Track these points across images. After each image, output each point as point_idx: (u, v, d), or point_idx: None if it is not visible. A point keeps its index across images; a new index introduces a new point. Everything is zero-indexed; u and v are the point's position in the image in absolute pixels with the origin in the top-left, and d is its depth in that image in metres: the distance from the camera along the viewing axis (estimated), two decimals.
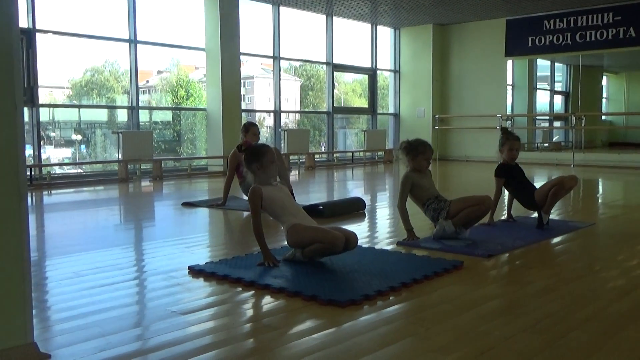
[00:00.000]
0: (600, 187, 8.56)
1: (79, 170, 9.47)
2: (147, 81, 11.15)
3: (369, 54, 13.61)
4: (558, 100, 15.79)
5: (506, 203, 4.87)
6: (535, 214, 4.60)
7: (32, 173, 8.17)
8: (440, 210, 3.92)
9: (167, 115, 11.08)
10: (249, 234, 4.33)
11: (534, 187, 4.60)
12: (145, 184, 8.53)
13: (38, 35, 8.28)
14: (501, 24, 12.70)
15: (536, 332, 2.26)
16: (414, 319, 2.46)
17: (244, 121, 10.68)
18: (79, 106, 10.00)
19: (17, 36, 1.91)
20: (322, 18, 12.36)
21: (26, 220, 1.99)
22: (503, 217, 4.83)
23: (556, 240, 4.18)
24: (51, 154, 9.49)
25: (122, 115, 9.99)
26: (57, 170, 9.12)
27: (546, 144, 15.28)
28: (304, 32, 12.65)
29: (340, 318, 2.43)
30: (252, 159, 3.37)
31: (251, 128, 6.02)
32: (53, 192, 7.57)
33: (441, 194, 4.11)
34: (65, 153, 9.99)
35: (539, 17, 12.19)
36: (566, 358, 2.02)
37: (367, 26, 13.40)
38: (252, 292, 2.81)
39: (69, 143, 9.98)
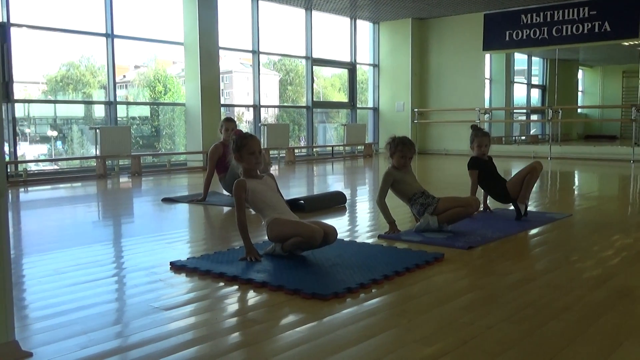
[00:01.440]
0: (576, 179, 8.70)
1: (56, 167, 9.34)
2: (124, 76, 11.02)
3: (348, 48, 13.61)
4: (535, 93, 15.98)
5: (482, 195, 4.94)
6: (512, 207, 4.69)
7: (8, 170, 8.04)
8: (427, 205, 3.98)
9: (145, 111, 10.97)
10: (230, 228, 4.33)
11: (505, 180, 4.72)
12: (124, 180, 8.45)
13: (12, 30, 8.14)
14: (479, 18, 12.80)
15: (516, 322, 2.30)
16: (397, 310, 2.48)
17: (223, 116, 10.64)
18: (55, 101, 9.86)
19: None
20: (301, 12, 12.34)
21: (5, 218, 1.97)
22: (480, 209, 4.88)
23: (534, 231, 4.24)
24: (26, 150, 9.34)
25: (99, 111, 9.87)
26: (33, 167, 8.98)
27: (523, 137, 15.46)
28: (283, 26, 12.62)
29: (324, 311, 2.44)
30: (234, 148, 3.37)
31: (225, 123, 5.97)
32: (29, 189, 7.47)
33: (424, 188, 4.16)
34: (41, 149, 9.85)
35: (516, 11, 12.32)
36: (545, 346, 2.06)
37: (346, 20, 13.40)
38: (234, 287, 2.81)
39: (44, 139, 9.83)
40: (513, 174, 4.80)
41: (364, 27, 13.93)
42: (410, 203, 4.08)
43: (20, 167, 8.30)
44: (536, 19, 12.16)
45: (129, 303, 2.65)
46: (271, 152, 11.13)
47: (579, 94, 16.74)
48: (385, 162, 4.16)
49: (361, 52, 13.87)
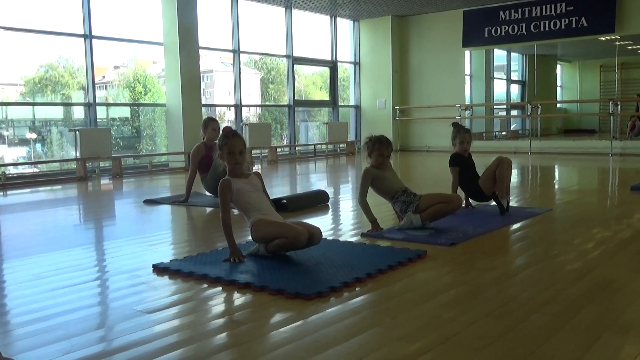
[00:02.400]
0: (556, 173, 8.80)
1: (35, 170, 9.23)
2: (104, 76, 10.92)
3: (329, 46, 13.62)
4: (515, 89, 16.12)
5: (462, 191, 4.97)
6: (493, 202, 4.74)
7: None
8: (409, 203, 3.99)
9: (125, 112, 10.89)
10: (213, 230, 4.32)
11: (479, 177, 4.76)
12: (105, 182, 8.38)
13: None
14: (458, 15, 12.89)
15: (498, 317, 2.32)
16: (380, 308, 2.49)
17: (204, 116, 10.58)
18: (34, 104, 9.74)
19: None
20: (281, 11, 12.32)
21: None
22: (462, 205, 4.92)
23: (515, 226, 4.29)
24: (5, 153, 9.22)
25: (78, 112, 9.76)
26: (12, 170, 8.87)
27: (504, 133, 15.60)
28: (263, 25, 12.59)
29: (308, 311, 2.45)
30: (218, 146, 3.37)
31: (210, 123, 5.94)
32: (8, 192, 7.37)
33: (405, 185, 4.18)
34: (20, 152, 9.73)
35: (495, 8, 12.43)
36: (527, 340, 2.08)
37: (326, 18, 13.41)
38: (218, 289, 2.80)
39: (23, 142, 9.71)
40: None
41: (344, 25, 13.95)
42: (393, 201, 4.09)
43: None
44: (515, 15, 12.28)
45: (111, 307, 2.63)
46: (253, 151, 11.11)
47: (558, 88, 16.91)
48: (366, 160, 4.17)
49: (342, 50, 13.89)
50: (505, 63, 15.51)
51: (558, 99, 16.53)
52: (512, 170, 4.87)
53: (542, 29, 12.02)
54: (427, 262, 3.22)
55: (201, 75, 10.55)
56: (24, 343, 2.16)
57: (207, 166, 5.72)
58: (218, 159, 3.41)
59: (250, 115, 12.69)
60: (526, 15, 12.16)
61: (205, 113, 10.79)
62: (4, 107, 9.09)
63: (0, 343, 2.06)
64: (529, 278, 2.90)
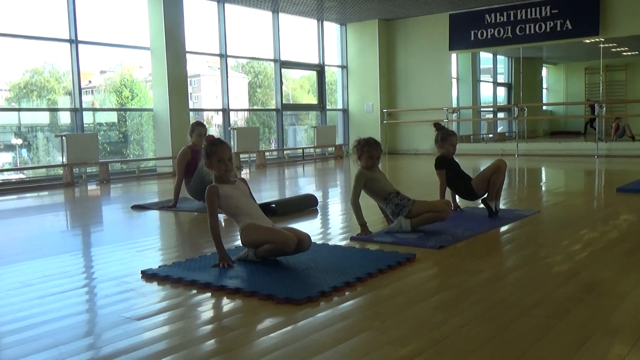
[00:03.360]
0: (543, 175, 8.86)
1: (22, 176, 9.14)
2: (90, 81, 10.85)
3: (316, 50, 13.64)
4: (501, 92, 16.23)
5: (450, 193, 4.99)
6: (481, 205, 4.76)
7: None
8: (402, 207, 3.99)
9: (112, 117, 10.82)
10: (202, 235, 4.30)
11: (470, 177, 4.77)
12: (92, 187, 8.32)
13: None
14: (445, 18, 12.96)
15: (487, 320, 2.33)
16: (370, 312, 2.49)
17: (192, 120, 10.55)
18: (19, 109, 9.66)
19: None
20: (268, 15, 12.32)
21: None
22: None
23: (503, 229, 4.31)
24: None
25: (64, 118, 9.70)
26: None
27: (491, 135, 15.69)
28: (251, 29, 12.58)
29: (298, 316, 2.44)
30: (204, 155, 3.35)
31: (196, 128, 5.90)
32: None
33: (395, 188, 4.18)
34: (6, 158, 9.63)
35: (481, 11, 12.51)
36: (517, 342, 2.10)
37: (313, 22, 13.43)
38: (207, 294, 2.79)
39: (9, 148, 9.62)
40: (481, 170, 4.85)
41: (332, 29, 13.98)
42: (386, 203, 4.07)
43: None
44: (500, 19, 12.37)
45: (100, 314, 2.61)
46: (241, 155, 11.09)
47: (544, 91, 17.05)
48: (356, 163, 4.17)
49: (329, 53, 13.92)
50: (491, 66, 15.61)
51: (544, 102, 16.66)
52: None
53: (527, 32, 12.12)
54: (417, 266, 3.23)
55: (188, 79, 10.51)
56: (12, 352, 2.14)
57: (193, 170, 5.70)
58: (204, 167, 3.39)
59: (238, 119, 12.67)
60: (512, 19, 12.25)
61: (192, 117, 10.76)
62: None
63: None
64: (518, 280, 2.91)
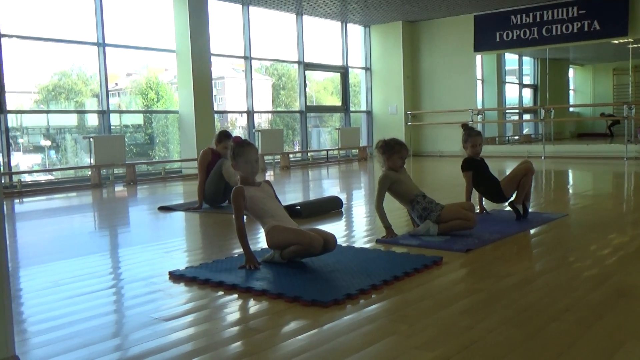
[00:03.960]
0: (570, 178, 8.73)
1: (50, 177, 9.30)
2: (116, 84, 11.00)
3: (340, 52, 13.64)
4: (527, 93, 16.05)
5: (477, 196, 4.94)
6: (508, 208, 4.71)
7: (3, 181, 8.00)
8: (431, 211, 3.95)
9: (138, 119, 10.95)
10: (228, 236, 4.33)
11: (498, 179, 4.72)
12: (119, 188, 8.43)
13: (3, 40, 8.11)
14: (469, 19, 12.86)
15: (516, 324, 2.30)
16: (397, 316, 2.48)
17: (216, 122, 10.65)
18: (48, 111, 9.83)
19: None
20: (292, 17, 12.35)
21: (3, 230, 1.95)
22: (476, 211, 4.88)
23: (531, 232, 4.25)
24: (20, 160, 9.30)
25: (92, 120, 9.84)
26: (28, 177, 8.94)
27: (516, 137, 15.52)
28: (274, 32, 12.63)
29: (324, 318, 2.44)
30: (230, 156, 3.36)
31: (224, 140, 5.79)
32: (24, 200, 7.43)
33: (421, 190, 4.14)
34: (35, 159, 9.81)
35: (506, 12, 12.39)
36: (547, 349, 2.06)
37: (337, 24, 13.43)
38: (234, 296, 2.80)
39: (38, 149, 9.79)
40: (507, 173, 4.80)
41: (355, 31, 13.97)
42: (412, 205, 4.03)
43: (15, 178, 8.26)
44: (526, 20, 12.23)
45: (128, 314, 2.63)
46: (266, 157, 11.13)
47: (571, 92, 16.82)
48: (381, 164, 4.14)
49: (353, 55, 13.91)
50: (517, 67, 15.45)
51: (571, 103, 16.43)
52: None
53: (554, 32, 11.96)
54: (443, 269, 3.20)
55: (213, 81, 10.60)
56: (43, 351, 2.17)
57: (208, 172, 5.75)
58: (230, 167, 3.40)
59: (262, 121, 12.72)
60: (538, 19, 12.10)
61: (217, 119, 10.84)
62: (18, 114, 9.17)
63: (19, 351, 2.07)
64: (547, 285, 2.87)
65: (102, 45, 9.23)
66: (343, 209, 5.52)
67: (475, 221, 3.99)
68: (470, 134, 4.71)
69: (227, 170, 5.51)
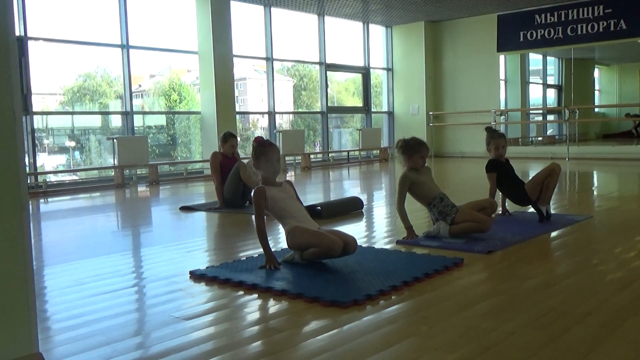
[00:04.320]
0: (595, 180, 8.60)
1: (74, 177, 9.44)
2: (140, 85, 11.12)
3: (362, 52, 13.62)
4: (551, 93, 15.85)
5: (500, 198, 4.90)
6: (531, 209, 4.66)
7: (28, 181, 8.14)
8: (446, 214, 3.93)
9: (161, 120, 11.06)
10: (248, 236, 4.35)
11: (523, 182, 4.67)
12: (142, 189, 8.52)
13: (30, 43, 8.26)
14: (492, 19, 12.74)
15: (539, 327, 2.27)
16: (417, 317, 2.47)
17: (238, 123, 10.70)
18: (73, 113, 9.97)
19: (14, 45, 1.90)
20: (313, 18, 12.37)
21: (28, 230, 1.99)
22: (498, 212, 4.84)
23: (554, 234, 4.20)
24: (45, 161, 9.45)
25: (115, 121, 9.96)
26: (52, 177, 9.09)
27: (540, 138, 15.35)
28: (296, 33, 12.66)
29: (344, 319, 2.43)
30: (253, 156, 3.38)
31: (229, 139, 6.03)
32: (49, 199, 7.55)
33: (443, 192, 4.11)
34: (60, 160, 9.96)
35: (530, 11, 12.25)
36: (569, 352, 2.03)
37: (359, 25, 13.41)
38: (254, 296, 2.81)
39: (63, 150, 9.94)
40: (530, 175, 4.76)
41: (377, 32, 13.93)
42: (429, 208, 4.04)
43: (40, 178, 8.40)
44: (550, 19, 12.08)
45: (149, 313, 2.66)
46: (287, 158, 11.16)
47: (596, 92, 16.57)
48: (402, 164, 4.13)
49: (374, 56, 13.87)
50: (541, 67, 15.28)
51: (596, 104, 16.18)
52: None
53: (579, 32, 11.80)
54: (465, 270, 3.18)
55: (235, 82, 10.66)
56: (66, 348, 2.20)
57: (223, 176, 5.83)
58: (247, 169, 3.43)
59: (283, 122, 12.76)
60: (562, 19, 11.94)
61: (238, 120, 10.89)
62: (44, 116, 9.32)
63: (42, 348, 2.10)
64: (570, 288, 2.83)
65: (126, 47, 9.34)
66: (364, 210, 5.51)
67: (489, 224, 3.90)
68: (493, 136, 4.69)
69: (244, 173, 5.56)
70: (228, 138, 6.04)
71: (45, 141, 9.63)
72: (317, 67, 12.70)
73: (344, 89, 14.51)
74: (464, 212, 3.94)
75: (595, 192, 7.07)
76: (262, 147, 3.36)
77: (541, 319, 2.36)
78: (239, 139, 6.32)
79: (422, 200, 4.06)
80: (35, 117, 8.59)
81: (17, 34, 8.31)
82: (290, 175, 9.97)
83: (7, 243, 1.90)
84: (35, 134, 8.63)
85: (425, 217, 4.39)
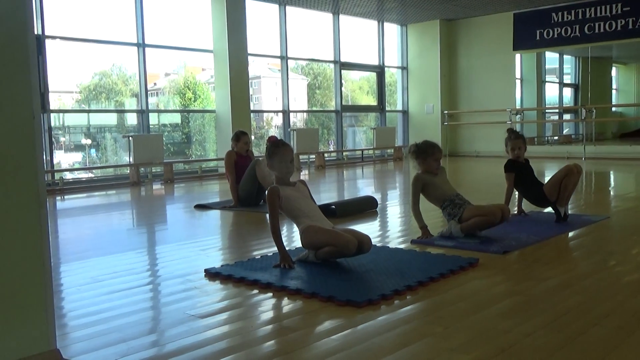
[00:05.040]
0: (612, 180, 8.51)
1: (90, 175, 9.52)
2: (155, 83, 11.19)
3: (376, 51, 13.58)
4: (567, 92, 15.70)
5: (516, 198, 4.87)
6: (546, 209, 4.61)
7: (45, 179, 8.21)
8: (454, 216, 3.92)
9: (176, 118, 11.11)
10: (263, 235, 4.35)
11: (542, 183, 4.63)
12: (157, 187, 8.57)
13: (47, 41, 8.33)
14: (508, 17, 12.65)
15: (555, 329, 2.25)
16: (432, 317, 2.45)
17: (252, 121, 10.72)
18: (89, 111, 10.05)
19: (34, 44, 1.92)
20: (328, 16, 12.36)
21: (46, 228, 2.00)
22: (514, 212, 4.81)
23: (570, 234, 4.16)
24: (61, 158, 9.54)
25: (131, 119, 10.03)
26: (68, 175, 9.17)
27: (556, 137, 15.21)
28: (311, 31, 12.66)
29: (358, 318, 2.43)
30: (266, 155, 3.39)
31: (242, 137, 6.04)
32: (66, 197, 7.62)
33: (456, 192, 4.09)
34: (76, 157, 10.04)
35: (547, 10, 12.14)
36: (586, 354, 2.01)
37: (373, 23, 13.38)
38: (269, 294, 2.82)
39: (79, 147, 10.03)
40: (546, 174, 4.73)
41: (392, 30, 13.89)
42: (442, 209, 4.03)
43: (57, 176, 8.48)
44: (567, 17, 11.96)
45: (164, 311, 2.68)
46: (301, 156, 11.16)
47: (613, 92, 16.39)
48: (416, 168, 4.11)
49: (389, 54, 13.83)
50: (557, 66, 15.13)
51: (613, 103, 16.00)
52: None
53: (596, 30, 11.67)
54: (480, 271, 3.16)
55: (249, 81, 10.68)
56: (82, 345, 2.22)
57: (238, 175, 5.85)
58: (263, 169, 3.43)
59: (298, 120, 12.76)
60: (580, 17, 11.83)
61: (253, 119, 10.91)
62: (60, 114, 9.41)
63: (59, 345, 2.12)
64: (587, 289, 2.80)
65: (141, 45, 9.39)
66: (378, 209, 5.50)
67: (498, 215, 3.83)
68: (510, 137, 4.67)
69: (260, 172, 5.57)
70: (240, 136, 6.06)
71: (62, 139, 9.72)
72: (332, 65, 12.69)
73: (359, 88, 14.48)
74: (471, 208, 3.91)
75: (612, 193, 7.00)
76: (276, 147, 3.36)
77: (558, 320, 2.34)
78: (252, 137, 6.34)
79: (435, 201, 4.06)
80: (52, 115, 8.67)
81: (34, 32, 8.38)
82: (304, 174, 9.98)
83: (26, 240, 1.92)
84: (52, 132, 8.71)
85: (440, 217, 4.37)
